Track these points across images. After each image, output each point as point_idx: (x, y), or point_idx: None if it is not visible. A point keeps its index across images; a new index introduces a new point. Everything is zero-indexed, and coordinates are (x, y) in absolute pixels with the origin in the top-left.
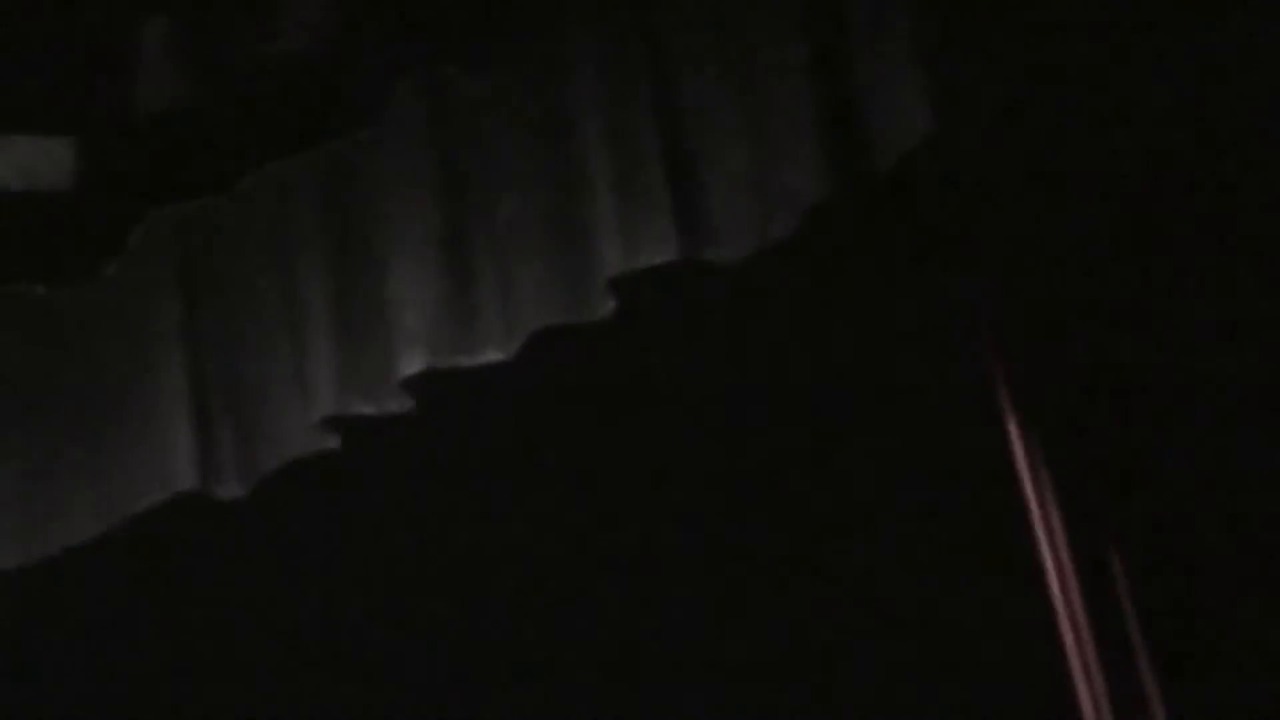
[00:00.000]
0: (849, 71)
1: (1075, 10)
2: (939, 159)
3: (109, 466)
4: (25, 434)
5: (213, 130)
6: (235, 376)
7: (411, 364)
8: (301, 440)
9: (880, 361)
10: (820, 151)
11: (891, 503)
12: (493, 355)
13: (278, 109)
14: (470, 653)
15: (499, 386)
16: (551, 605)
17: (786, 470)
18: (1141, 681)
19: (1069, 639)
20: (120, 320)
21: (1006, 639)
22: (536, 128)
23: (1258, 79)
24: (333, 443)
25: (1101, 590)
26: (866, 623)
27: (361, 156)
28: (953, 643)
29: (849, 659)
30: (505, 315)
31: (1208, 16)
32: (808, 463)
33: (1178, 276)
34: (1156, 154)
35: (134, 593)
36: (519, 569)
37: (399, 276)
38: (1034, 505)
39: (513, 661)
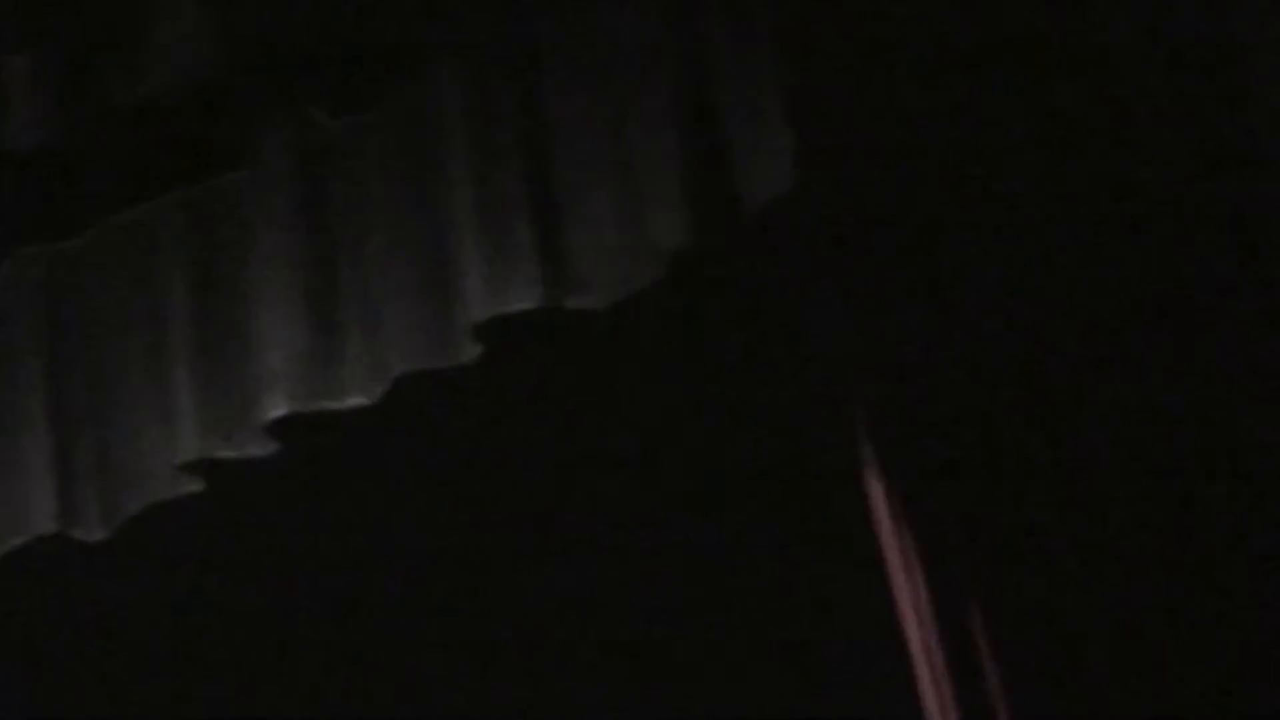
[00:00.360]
0: (716, 122)
1: (950, 81)
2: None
3: None
4: None
5: (78, 169)
6: (97, 418)
7: (274, 407)
8: (164, 483)
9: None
10: (686, 200)
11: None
12: (357, 399)
13: (144, 149)
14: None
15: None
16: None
17: (638, 538)
18: None
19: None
20: None
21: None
22: (403, 172)
23: (1142, 153)
24: (195, 485)
25: (965, 655)
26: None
27: (228, 197)
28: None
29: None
30: (370, 359)
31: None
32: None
33: (1049, 332)
34: (1029, 214)
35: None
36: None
37: (264, 319)
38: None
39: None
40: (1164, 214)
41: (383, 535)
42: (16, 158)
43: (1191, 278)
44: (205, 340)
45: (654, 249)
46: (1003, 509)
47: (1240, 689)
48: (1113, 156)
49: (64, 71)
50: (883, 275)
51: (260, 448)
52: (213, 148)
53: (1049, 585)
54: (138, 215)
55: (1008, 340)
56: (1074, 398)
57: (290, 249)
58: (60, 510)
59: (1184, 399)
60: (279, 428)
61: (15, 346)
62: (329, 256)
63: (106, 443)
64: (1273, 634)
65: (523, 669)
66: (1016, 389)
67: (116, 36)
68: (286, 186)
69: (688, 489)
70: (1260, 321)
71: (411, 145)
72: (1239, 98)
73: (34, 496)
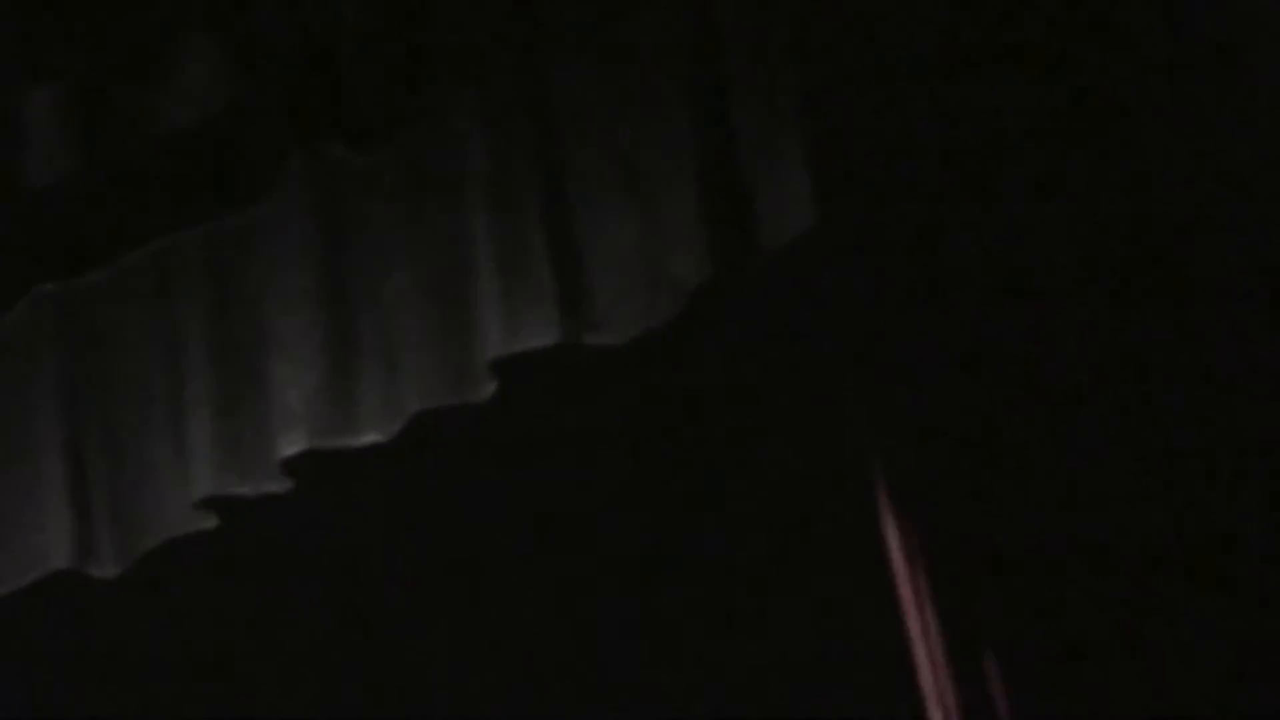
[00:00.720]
0: (736, 158)
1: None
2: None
3: None
4: None
5: (97, 204)
6: (113, 454)
7: (291, 444)
8: (179, 520)
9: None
10: (705, 237)
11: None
12: (373, 436)
13: (163, 184)
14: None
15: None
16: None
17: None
18: None
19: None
20: None
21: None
22: (422, 208)
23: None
24: (210, 523)
25: (971, 672)
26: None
27: (247, 233)
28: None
29: None
30: (386, 396)
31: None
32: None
33: (1052, 333)
34: (1031, 216)
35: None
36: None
37: (281, 355)
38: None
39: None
40: (1169, 212)
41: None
42: (36, 192)
43: (1194, 278)
44: (221, 376)
45: (673, 285)
46: (1006, 510)
47: (1240, 689)
48: (1118, 155)
49: (84, 106)
50: (886, 279)
51: (276, 485)
52: (231, 184)
53: (1051, 587)
54: (155, 250)
55: (1011, 341)
56: (1076, 399)
57: (308, 285)
58: (75, 547)
59: (1186, 398)
60: (295, 464)
61: (32, 381)
62: (346, 293)
63: (121, 479)
64: (1273, 634)
65: (524, 676)
66: (1019, 390)
67: (137, 71)
68: (305, 222)
69: (690, 494)
70: (1262, 321)
71: (430, 182)
72: (1242, 97)
73: (49, 533)
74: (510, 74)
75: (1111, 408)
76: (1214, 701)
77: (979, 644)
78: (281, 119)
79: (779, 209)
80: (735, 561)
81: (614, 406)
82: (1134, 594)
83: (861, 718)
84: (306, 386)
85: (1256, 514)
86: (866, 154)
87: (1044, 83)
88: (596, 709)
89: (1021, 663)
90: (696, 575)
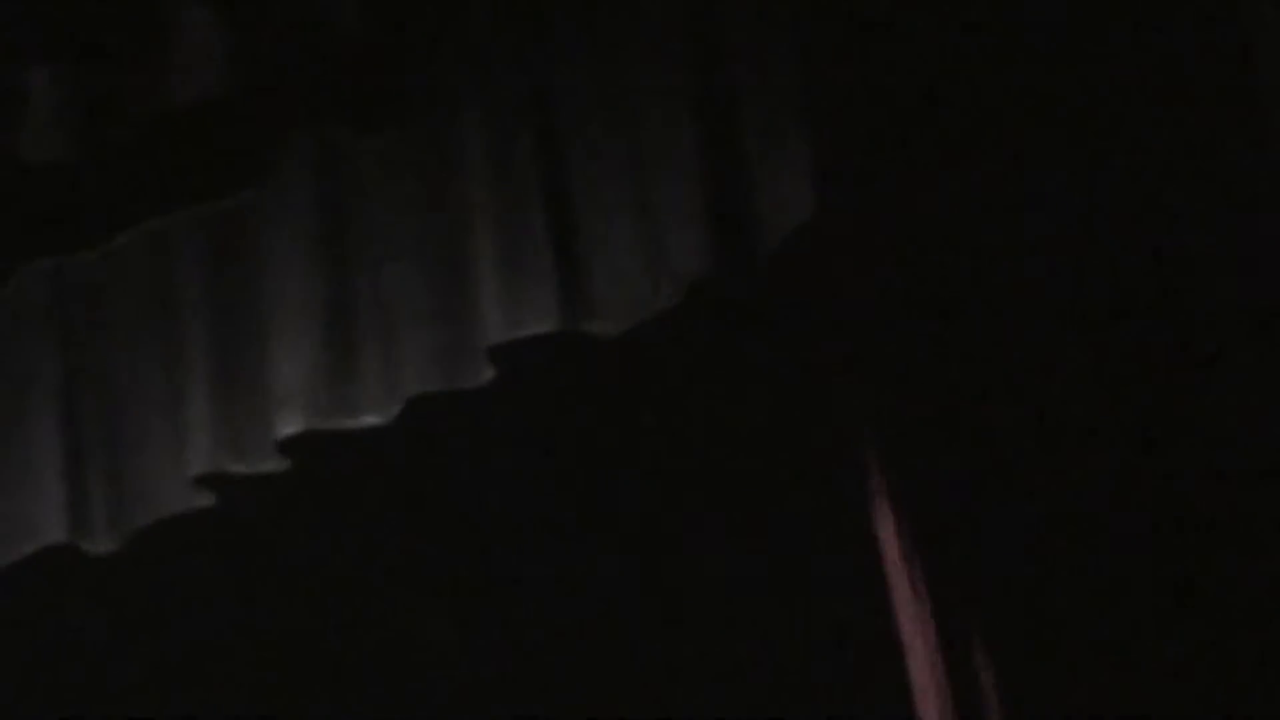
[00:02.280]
0: (737, 149)
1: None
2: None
3: None
4: None
5: (97, 182)
6: (109, 430)
7: (289, 425)
8: (175, 497)
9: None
10: (706, 227)
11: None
12: (370, 419)
13: (164, 163)
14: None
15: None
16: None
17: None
18: None
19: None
20: None
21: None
22: (423, 192)
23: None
24: (206, 500)
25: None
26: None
27: (246, 214)
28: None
29: None
30: (385, 379)
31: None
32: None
33: (1052, 335)
34: (1033, 219)
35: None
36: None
37: (280, 335)
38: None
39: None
40: (1169, 213)
41: (390, 546)
42: (35, 169)
43: (1193, 286)
44: (220, 355)
45: (673, 275)
46: (1000, 504)
47: (1240, 689)
48: (1123, 163)
49: (85, 85)
50: (885, 273)
51: (273, 464)
52: (232, 164)
53: (1045, 581)
54: (155, 229)
55: (1008, 336)
56: (1073, 393)
57: (307, 267)
58: (70, 521)
59: (1184, 395)
60: (292, 445)
61: (29, 356)
62: (346, 275)
63: (118, 455)
64: (1271, 632)
65: (526, 672)
66: (1015, 384)
67: (138, 51)
68: (305, 205)
69: (683, 488)
70: (1262, 322)
71: (431, 166)
72: (1247, 102)
73: (44, 506)
74: (514, 60)
75: (1108, 403)
76: (1208, 698)
77: (972, 638)
78: (283, 99)
79: (780, 201)
80: (730, 555)
81: (604, 399)
82: (1130, 589)
83: (854, 712)
84: (304, 365)
85: (1256, 511)
86: (869, 145)
87: (1049, 82)
88: (593, 706)
89: (1015, 658)
90: (689, 570)
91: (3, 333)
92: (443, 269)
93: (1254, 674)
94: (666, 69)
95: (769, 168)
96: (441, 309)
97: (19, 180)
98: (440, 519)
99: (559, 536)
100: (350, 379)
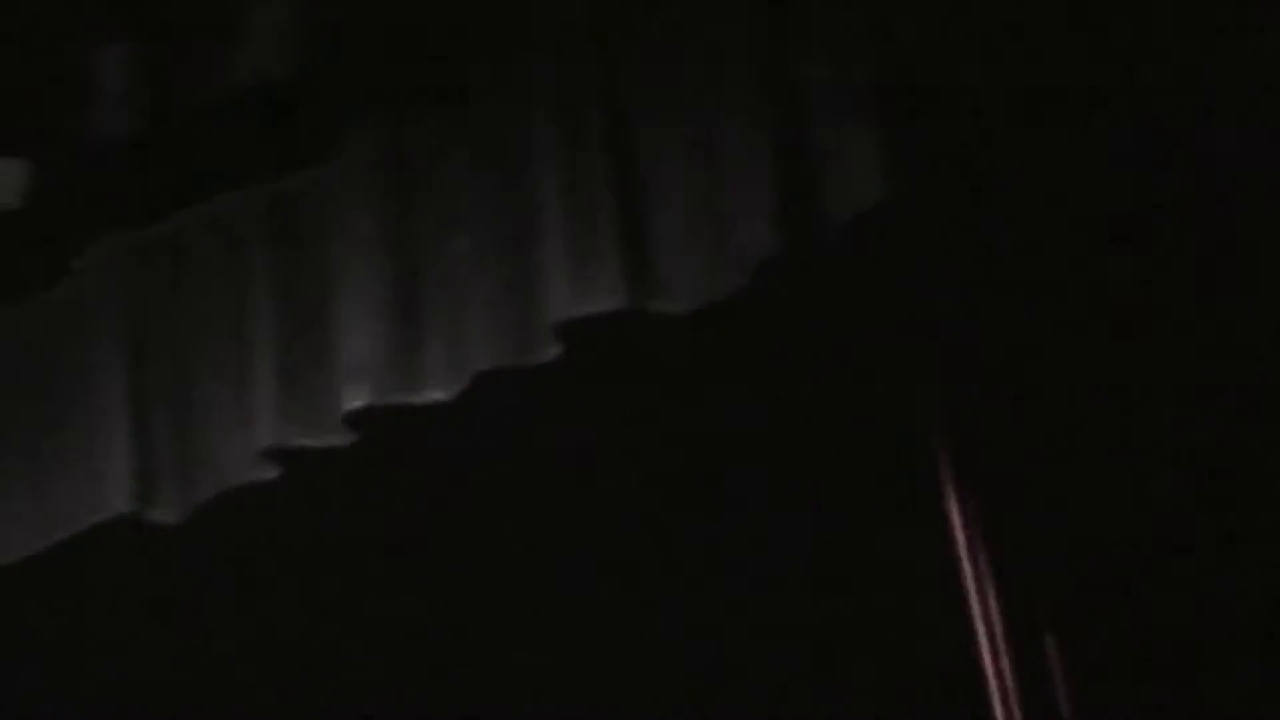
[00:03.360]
0: (805, 132)
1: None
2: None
3: (47, 485)
4: None
5: (167, 158)
6: (177, 402)
7: (355, 399)
8: (241, 469)
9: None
10: (772, 210)
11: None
12: (436, 394)
13: (233, 140)
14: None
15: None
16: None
17: (717, 540)
18: None
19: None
20: (64, 341)
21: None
22: (491, 170)
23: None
24: (271, 473)
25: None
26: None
27: (316, 189)
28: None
29: None
30: (450, 355)
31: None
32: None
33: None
34: (1108, 241)
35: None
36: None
37: (346, 310)
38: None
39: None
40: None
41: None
42: (107, 143)
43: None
44: (287, 330)
45: (740, 257)
46: (1074, 497)
47: None
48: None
49: (156, 61)
50: (956, 257)
51: (339, 438)
52: (301, 143)
53: (1118, 576)
54: (225, 205)
55: (1079, 328)
56: (1147, 390)
57: (375, 244)
58: (138, 492)
59: (1264, 401)
60: (357, 418)
61: (98, 328)
62: (413, 252)
63: (185, 427)
64: None
65: (543, 667)
66: (1088, 377)
67: (209, 29)
68: (373, 181)
69: (748, 472)
70: None
71: (499, 145)
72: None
73: (111, 477)
74: (583, 42)
75: (1180, 401)
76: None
77: (1042, 632)
78: (352, 79)
79: (848, 183)
80: (794, 542)
81: (672, 378)
82: (1201, 586)
83: (922, 706)
84: (370, 342)
85: None
86: (937, 129)
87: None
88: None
89: (1085, 653)
90: (753, 553)
91: (74, 308)
92: (510, 247)
93: None
94: (734, 55)
95: (837, 153)
96: (508, 287)
97: (92, 155)
98: (451, 507)
99: (602, 518)
100: (417, 353)
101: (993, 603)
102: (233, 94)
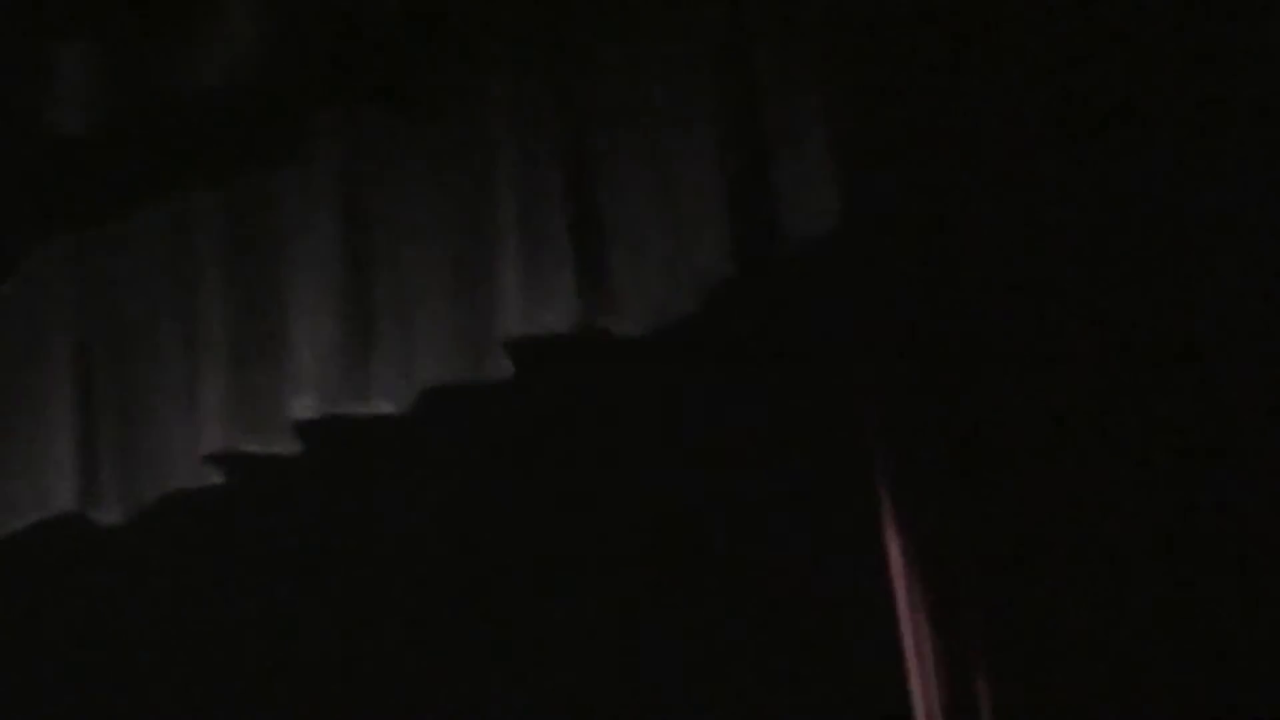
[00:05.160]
0: (761, 153)
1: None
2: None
3: None
4: None
5: (121, 157)
6: (124, 403)
7: (303, 407)
8: (186, 472)
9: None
10: (729, 230)
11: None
12: (385, 406)
13: (190, 140)
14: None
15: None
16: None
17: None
18: None
19: None
20: (11, 338)
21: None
22: (449, 181)
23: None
24: (217, 477)
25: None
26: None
27: (270, 194)
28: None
29: None
30: (401, 367)
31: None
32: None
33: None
34: (1040, 212)
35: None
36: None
37: (298, 318)
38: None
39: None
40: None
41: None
42: (60, 141)
43: (1198, 279)
44: (237, 335)
45: (695, 277)
46: (1005, 511)
47: (1238, 690)
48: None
49: (114, 59)
50: (895, 277)
51: (286, 445)
52: (257, 145)
53: (1046, 587)
54: (177, 206)
55: (1014, 341)
56: (1077, 400)
57: (329, 251)
58: (81, 491)
59: (1185, 398)
60: (305, 427)
61: (46, 326)
62: (367, 261)
63: (132, 428)
64: (1267, 635)
65: (530, 670)
66: (1020, 390)
67: (169, 28)
68: (329, 188)
69: (688, 488)
70: (1265, 318)
71: (457, 157)
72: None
73: (56, 476)
74: (543, 55)
75: (1112, 409)
76: (1204, 703)
77: (973, 653)
78: (312, 82)
79: (803, 205)
80: (736, 559)
81: (610, 399)
82: (1133, 605)
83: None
84: (322, 349)
85: (1253, 514)
86: (888, 150)
87: (1061, 81)
88: (593, 709)
89: (1015, 672)
90: (696, 571)
91: (23, 305)
92: (464, 260)
93: (1254, 691)
94: (691, 72)
95: (792, 172)
96: (461, 299)
97: (43, 155)
98: (441, 515)
99: (555, 538)
100: (366, 365)
101: (927, 637)
102: (191, 95)
